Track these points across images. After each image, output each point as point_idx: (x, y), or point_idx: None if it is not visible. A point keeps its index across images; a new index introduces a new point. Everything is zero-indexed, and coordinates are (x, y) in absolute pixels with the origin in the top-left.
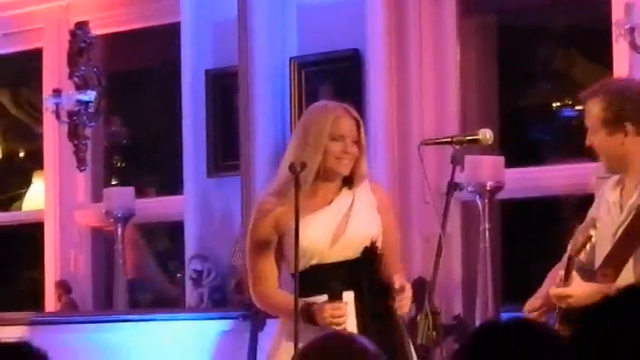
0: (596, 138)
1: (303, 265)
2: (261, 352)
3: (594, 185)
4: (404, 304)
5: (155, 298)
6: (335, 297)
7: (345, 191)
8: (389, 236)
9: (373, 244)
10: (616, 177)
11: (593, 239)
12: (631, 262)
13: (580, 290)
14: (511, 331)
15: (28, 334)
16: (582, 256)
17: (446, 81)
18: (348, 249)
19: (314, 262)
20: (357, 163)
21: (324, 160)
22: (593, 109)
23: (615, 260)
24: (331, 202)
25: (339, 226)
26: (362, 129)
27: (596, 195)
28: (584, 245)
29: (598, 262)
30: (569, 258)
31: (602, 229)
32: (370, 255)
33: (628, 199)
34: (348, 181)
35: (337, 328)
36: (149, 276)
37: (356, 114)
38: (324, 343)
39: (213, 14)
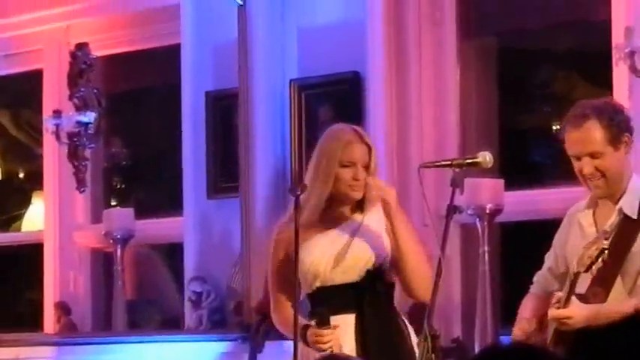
0: (605, 159)
1: (309, 286)
2: None
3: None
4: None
5: (157, 319)
6: (322, 322)
7: (357, 215)
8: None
9: (377, 267)
10: (583, 202)
11: (606, 252)
12: (619, 279)
13: (579, 312)
14: (513, 355)
15: (27, 355)
16: (593, 270)
17: (446, 103)
18: (350, 272)
19: (317, 284)
20: (368, 187)
21: (336, 186)
22: (595, 132)
23: (604, 279)
24: (341, 224)
25: (341, 249)
26: (373, 154)
27: (565, 224)
28: (597, 259)
29: (582, 284)
30: (575, 275)
31: (576, 252)
32: (374, 278)
33: (605, 221)
34: (361, 204)
35: (323, 351)
36: (151, 296)
37: (368, 139)
38: None
39: (213, 36)
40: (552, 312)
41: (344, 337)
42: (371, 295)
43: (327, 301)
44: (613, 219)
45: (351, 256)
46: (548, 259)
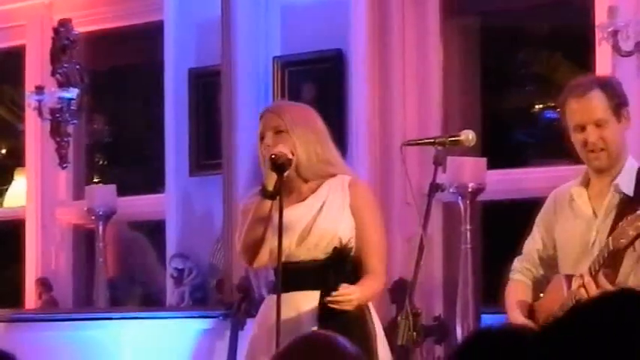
0: (607, 129)
1: (274, 261)
2: (241, 351)
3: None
4: (338, 301)
5: (139, 296)
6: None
7: (321, 190)
8: (363, 236)
9: (343, 245)
10: (567, 184)
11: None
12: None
13: None
14: (499, 340)
15: (8, 331)
16: (637, 248)
17: (428, 82)
18: (315, 249)
19: (283, 259)
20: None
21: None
22: (599, 101)
23: (612, 260)
24: (305, 199)
25: (306, 226)
26: (287, 120)
27: (549, 204)
28: (637, 237)
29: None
30: (611, 252)
31: (572, 230)
32: (340, 256)
33: (600, 199)
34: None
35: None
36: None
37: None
38: (305, 343)
39: (196, 13)
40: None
41: (307, 313)
42: (336, 273)
43: (292, 277)
44: (609, 197)
45: (315, 234)
46: (532, 243)
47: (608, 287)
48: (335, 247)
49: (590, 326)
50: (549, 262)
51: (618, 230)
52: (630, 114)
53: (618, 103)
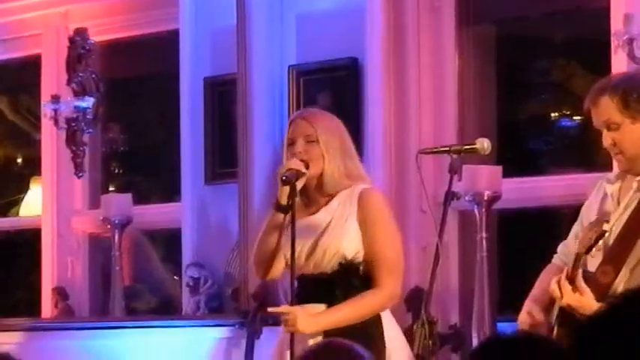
0: (620, 131)
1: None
2: None
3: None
4: (285, 322)
5: (154, 304)
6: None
7: (332, 203)
8: (372, 249)
9: (349, 260)
10: (615, 172)
11: (606, 234)
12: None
13: (589, 304)
14: (514, 346)
15: (25, 340)
16: (593, 253)
17: (444, 90)
18: (321, 264)
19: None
20: (329, 175)
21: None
22: (610, 104)
23: (615, 258)
24: (316, 212)
25: (313, 240)
26: (320, 131)
27: (594, 192)
28: (596, 241)
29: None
30: (577, 256)
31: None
32: (346, 271)
33: (626, 193)
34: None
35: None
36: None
37: (311, 116)
38: (325, 349)
39: (212, 22)
40: (566, 298)
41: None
42: (343, 288)
43: (303, 289)
44: (631, 194)
45: (319, 249)
46: (575, 227)
47: (585, 289)
48: (340, 263)
49: (605, 335)
50: None
51: (582, 234)
52: None
53: (636, 102)
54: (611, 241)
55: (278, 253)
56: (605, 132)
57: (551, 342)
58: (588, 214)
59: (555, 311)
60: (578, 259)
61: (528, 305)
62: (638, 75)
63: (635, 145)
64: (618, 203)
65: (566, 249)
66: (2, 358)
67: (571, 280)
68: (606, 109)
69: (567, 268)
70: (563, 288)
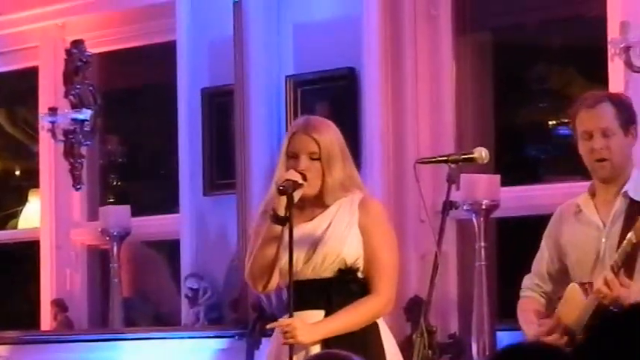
0: (613, 139)
1: (282, 278)
2: None
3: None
4: (284, 334)
5: (153, 316)
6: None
7: (330, 208)
8: (371, 256)
9: (348, 266)
10: (574, 199)
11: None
12: None
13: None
14: (534, 353)
15: (24, 352)
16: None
17: (441, 99)
18: (320, 268)
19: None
20: (330, 186)
21: None
22: (608, 112)
23: (626, 265)
24: (313, 219)
25: (311, 244)
26: (323, 146)
27: (556, 221)
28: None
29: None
30: (634, 246)
31: (582, 239)
32: (345, 277)
33: (607, 207)
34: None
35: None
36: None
37: (316, 131)
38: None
39: (209, 33)
40: (615, 291)
41: None
42: (341, 293)
43: (300, 295)
44: (617, 204)
45: (319, 253)
46: (540, 259)
47: (631, 284)
48: (340, 269)
49: (623, 340)
50: (557, 277)
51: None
52: (638, 132)
53: (627, 118)
54: (608, 255)
55: (276, 264)
56: (598, 135)
57: (566, 353)
58: (554, 241)
59: (582, 320)
60: (635, 250)
61: (530, 326)
62: (623, 95)
63: (623, 156)
64: (601, 220)
65: (540, 281)
66: None
67: (628, 272)
68: (606, 116)
69: (612, 264)
70: (612, 283)
